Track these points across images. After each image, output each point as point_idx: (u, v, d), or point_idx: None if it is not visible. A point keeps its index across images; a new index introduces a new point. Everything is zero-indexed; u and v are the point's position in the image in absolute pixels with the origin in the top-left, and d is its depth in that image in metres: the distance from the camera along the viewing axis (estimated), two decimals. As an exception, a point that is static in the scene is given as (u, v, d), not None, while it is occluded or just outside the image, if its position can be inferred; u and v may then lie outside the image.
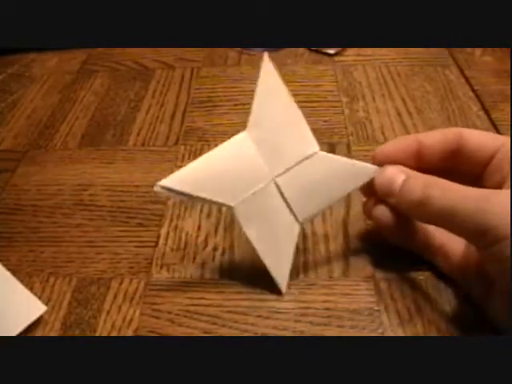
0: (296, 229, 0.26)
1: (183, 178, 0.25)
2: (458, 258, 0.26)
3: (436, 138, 0.26)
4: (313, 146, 0.26)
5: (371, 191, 0.26)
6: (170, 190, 0.25)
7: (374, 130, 0.38)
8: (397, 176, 0.25)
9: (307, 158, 0.26)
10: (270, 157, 0.25)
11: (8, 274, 0.28)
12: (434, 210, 0.23)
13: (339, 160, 0.26)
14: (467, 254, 0.26)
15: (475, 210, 0.21)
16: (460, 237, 0.24)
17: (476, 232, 0.21)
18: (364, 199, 0.28)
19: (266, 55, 0.26)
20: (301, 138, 0.26)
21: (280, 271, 0.26)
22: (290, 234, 0.26)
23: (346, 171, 0.26)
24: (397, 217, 0.26)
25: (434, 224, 0.24)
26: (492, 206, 0.21)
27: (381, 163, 0.26)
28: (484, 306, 0.25)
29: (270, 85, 0.26)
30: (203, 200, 0.25)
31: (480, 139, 0.25)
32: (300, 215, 0.26)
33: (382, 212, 0.26)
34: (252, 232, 0.26)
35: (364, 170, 0.26)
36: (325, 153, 0.26)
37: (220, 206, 0.26)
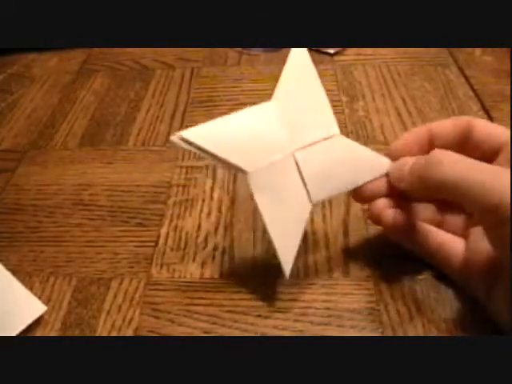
0: (308, 209, 0.25)
1: (204, 134, 0.24)
2: (458, 257, 0.26)
3: (447, 127, 0.26)
4: (334, 128, 0.26)
5: (368, 196, 0.26)
6: (188, 142, 0.24)
7: (374, 129, 0.38)
8: (408, 160, 0.25)
9: (328, 138, 0.26)
10: (292, 130, 0.25)
11: (8, 273, 0.28)
12: (443, 178, 0.22)
13: (358, 147, 0.26)
14: (468, 252, 0.26)
15: (487, 184, 0.21)
16: (470, 210, 0.23)
17: (487, 208, 0.21)
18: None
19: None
20: (323, 118, 0.26)
21: (287, 250, 0.25)
22: (302, 213, 0.25)
23: (364, 159, 0.26)
24: (403, 219, 0.26)
25: (442, 195, 0.23)
26: (506, 182, 0.20)
27: (395, 158, 0.26)
28: (485, 306, 0.25)
29: (301, 63, 0.26)
30: (219, 160, 0.24)
31: (490, 129, 0.25)
32: (314, 195, 0.25)
33: (391, 216, 0.26)
34: (263, 203, 0.25)
35: (381, 161, 0.26)
36: (344, 137, 0.26)
37: (235, 170, 0.25)
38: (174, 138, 0.24)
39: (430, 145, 0.26)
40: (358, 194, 0.27)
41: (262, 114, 0.25)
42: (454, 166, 0.22)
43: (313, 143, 0.25)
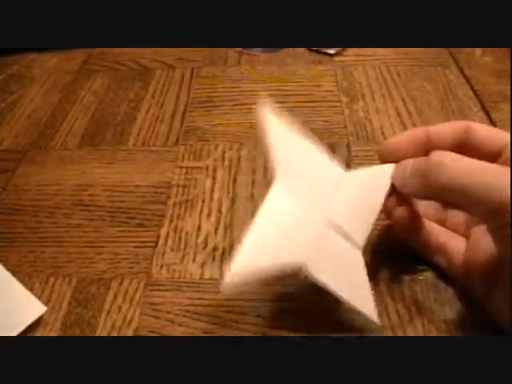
0: (360, 256, 0.25)
1: (248, 257, 0.23)
2: (459, 256, 0.26)
3: (445, 130, 0.26)
4: (337, 171, 0.26)
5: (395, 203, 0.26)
6: (240, 275, 0.23)
7: (374, 129, 0.38)
8: (407, 165, 0.25)
9: (338, 185, 0.26)
10: (310, 201, 0.25)
11: (8, 274, 0.28)
12: (445, 179, 0.22)
13: (360, 172, 0.26)
14: (469, 252, 0.26)
15: (491, 183, 0.20)
16: (473, 212, 0.23)
17: (490, 210, 0.20)
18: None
19: (258, 104, 0.26)
20: (326, 170, 0.26)
21: (366, 304, 0.25)
22: (358, 264, 0.25)
23: (372, 177, 0.26)
24: (409, 216, 0.26)
25: (444, 197, 0.23)
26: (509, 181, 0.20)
27: (389, 155, 0.26)
28: (486, 305, 0.25)
29: (281, 133, 0.26)
30: (275, 269, 0.23)
31: (488, 133, 0.25)
32: (359, 238, 0.25)
33: (401, 213, 0.25)
34: (327, 279, 0.24)
35: (383, 170, 0.26)
36: (346, 171, 0.26)
37: (293, 269, 0.24)
38: (225, 287, 0.22)
39: (427, 147, 0.26)
40: (389, 209, 0.26)
41: (278, 205, 0.25)
42: (457, 166, 0.22)
43: (331, 198, 0.25)
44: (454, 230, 0.27)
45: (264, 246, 0.24)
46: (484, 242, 0.25)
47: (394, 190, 0.26)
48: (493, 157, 0.24)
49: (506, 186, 0.20)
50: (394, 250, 0.28)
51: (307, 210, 0.25)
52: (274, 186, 0.25)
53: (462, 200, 0.22)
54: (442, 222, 0.28)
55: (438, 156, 0.23)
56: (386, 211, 0.26)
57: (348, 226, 0.25)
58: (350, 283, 0.25)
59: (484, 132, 0.25)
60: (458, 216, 0.27)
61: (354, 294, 0.24)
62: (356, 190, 0.26)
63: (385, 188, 0.26)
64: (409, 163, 0.25)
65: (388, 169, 0.26)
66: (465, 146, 0.25)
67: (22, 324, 0.26)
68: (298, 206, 0.25)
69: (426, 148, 0.25)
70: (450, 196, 0.23)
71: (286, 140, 0.26)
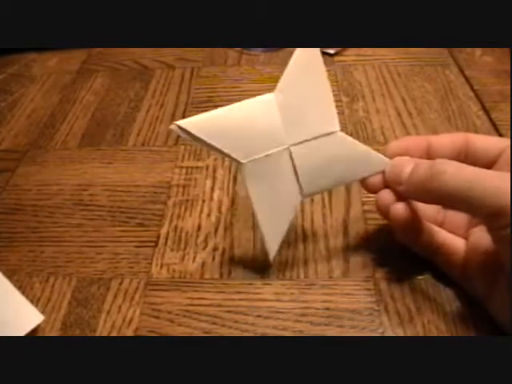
0: (298, 200, 0.26)
1: (201, 124, 0.25)
2: (459, 257, 0.26)
3: (445, 139, 0.26)
4: (335, 125, 0.26)
5: (378, 187, 0.26)
6: (186, 131, 0.25)
7: (374, 129, 0.38)
8: (406, 163, 0.25)
9: (327, 135, 0.26)
10: (291, 124, 0.25)
11: (6, 281, 0.28)
12: (447, 188, 0.22)
13: (357, 145, 0.26)
14: (468, 252, 0.26)
15: (493, 189, 0.21)
16: (474, 217, 0.24)
17: (493, 212, 0.21)
18: (367, 196, 0.28)
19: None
20: (325, 114, 0.26)
21: (273, 237, 0.27)
22: (291, 204, 0.26)
23: (361, 157, 0.26)
24: (410, 215, 0.26)
25: (445, 204, 0.24)
26: (508, 189, 0.21)
27: (393, 157, 0.26)
28: (486, 305, 0.25)
29: (309, 58, 0.26)
30: (216, 149, 0.25)
31: (485, 141, 0.26)
32: (306, 188, 0.26)
33: (400, 210, 0.26)
34: (255, 193, 0.26)
35: (379, 160, 0.26)
36: (344, 134, 0.26)
37: (230, 159, 0.25)
38: (173, 126, 0.25)
39: (428, 153, 0.26)
40: (366, 184, 0.27)
41: (262, 105, 0.26)
42: (458, 175, 0.22)
43: (311, 139, 0.26)
44: (453, 231, 0.27)
45: (222, 124, 0.25)
46: (483, 242, 0.25)
47: (389, 187, 0.26)
48: (490, 163, 0.25)
49: (506, 190, 0.21)
50: (394, 250, 0.28)
51: (282, 127, 0.25)
52: (271, 94, 0.26)
53: (464, 206, 0.23)
54: (440, 224, 0.28)
55: (441, 165, 0.23)
56: (380, 209, 0.26)
57: (302, 173, 0.26)
58: (272, 213, 0.26)
59: (482, 141, 0.26)
60: (456, 217, 0.28)
61: (268, 223, 0.26)
62: (336, 154, 0.26)
63: (364, 173, 0.26)
64: (405, 162, 0.25)
65: (382, 161, 0.26)
66: (464, 155, 0.26)
67: (19, 333, 0.25)
68: (278, 118, 0.25)
69: (427, 154, 0.26)
70: (450, 202, 0.23)
71: (309, 64, 0.26)
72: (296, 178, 0.26)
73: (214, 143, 0.25)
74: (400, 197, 0.26)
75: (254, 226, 0.31)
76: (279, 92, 0.26)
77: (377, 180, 0.26)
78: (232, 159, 0.25)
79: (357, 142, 0.26)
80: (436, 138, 0.27)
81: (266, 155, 0.25)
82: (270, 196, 0.26)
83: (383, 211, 0.26)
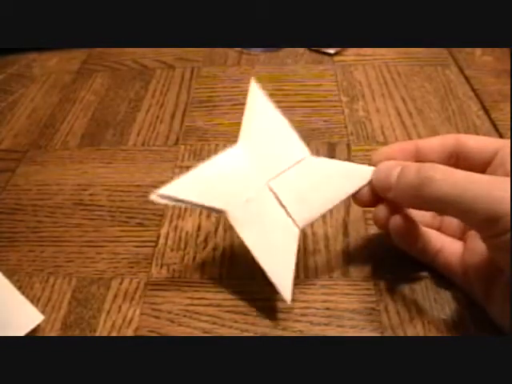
0: (295, 233, 0.25)
1: (179, 186, 0.26)
2: (457, 260, 0.26)
3: (434, 142, 0.26)
4: (303, 151, 0.26)
5: (368, 198, 0.26)
6: (167, 197, 0.25)
7: (374, 129, 0.38)
8: (393, 168, 0.24)
9: (298, 162, 0.26)
10: (262, 164, 0.26)
11: (6, 281, 0.27)
12: (437, 194, 0.21)
13: (332, 163, 0.26)
14: (466, 254, 0.26)
15: (485, 195, 0.20)
16: (466, 224, 0.23)
17: (486, 219, 0.20)
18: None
19: (252, 82, 0.27)
20: (290, 145, 0.26)
21: (282, 279, 0.25)
22: (290, 239, 0.25)
23: (341, 174, 0.26)
24: (409, 225, 0.25)
25: (435, 210, 0.23)
26: (504, 192, 0.20)
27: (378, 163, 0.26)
28: (485, 307, 0.25)
29: (257, 101, 0.27)
30: (199, 206, 0.26)
31: (478, 142, 0.25)
32: (298, 219, 0.25)
33: (399, 222, 0.25)
34: (248, 237, 0.25)
35: (361, 171, 0.26)
36: (316, 157, 0.26)
37: (215, 212, 0.26)
38: (154, 196, 0.25)
39: (416, 158, 0.25)
40: (356, 200, 0.26)
41: (231, 157, 0.26)
42: (448, 180, 0.21)
43: (285, 170, 0.26)
44: (451, 235, 0.27)
45: (198, 182, 0.26)
46: (480, 244, 0.24)
47: (384, 200, 0.25)
48: (485, 164, 0.24)
49: (499, 195, 0.20)
50: (394, 250, 0.28)
51: (255, 170, 0.26)
52: (234, 146, 0.26)
53: (454, 212, 0.22)
54: (437, 228, 0.28)
55: (428, 171, 0.22)
56: (378, 222, 0.26)
57: (289, 203, 0.25)
58: (274, 253, 0.25)
59: (474, 142, 0.25)
60: (453, 221, 0.27)
61: (274, 265, 0.25)
62: (317, 176, 0.26)
63: (352, 188, 0.26)
64: (390, 166, 0.24)
65: (367, 171, 0.26)
66: (456, 157, 0.25)
67: (19, 333, 0.25)
68: (248, 165, 0.26)
69: (415, 159, 0.25)
70: (441, 209, 0.23)
71: (261, 111, 0.27)
72: (285, 211, 0.25)
73: (194, 200, 0.25)
74: (396, 208, 0.25)
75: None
76: (242, 141, 0.26)
77: (365, 192, 0.25)
78: (217, 211, 0.26)
79: (334, 160, 0.26)
80: (424, 141, 0.26)
81: (247, 199, 0.25)
82: (265, 237, 0.25)
83: (382, 225, 0.26)
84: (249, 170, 0.26)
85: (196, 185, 0.26)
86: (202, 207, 0.26)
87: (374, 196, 0.26)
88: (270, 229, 0.25)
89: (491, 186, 0.20)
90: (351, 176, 0.26)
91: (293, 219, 0.25)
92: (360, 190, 0.26)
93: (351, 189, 0.26)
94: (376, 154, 0.26)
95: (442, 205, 0.22)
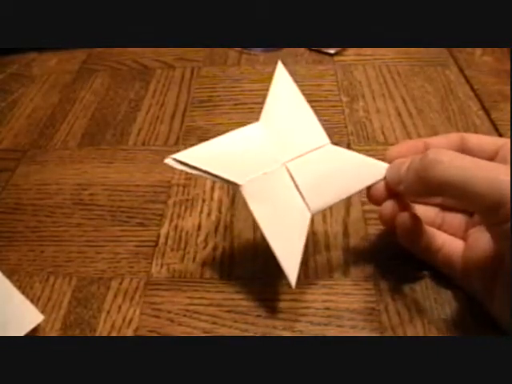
0: (307, 218, 0.25)
1: (196, 154, 0.25)
2: (459, 258, 0.26)
3: (441, 139, 0.26)
4: (323, 138, 0.26)
5: (381, 194, 0.26)
6: (182, 163, 0.25)
7: (374, 129, 0.38)
8: (404, 162, 0.25)
9: (318, 148, 0.26)
10: (281, 145, 0.26)
11: (7, 281, 0.27)
12: (443, 177, 0.22)
13: (350, 154, 0.26)
14: (467, 252, 0.26)
15: (492, 178, 0.20)
16: (471, 209, 0.23)
17: (491, 203, 0.20)
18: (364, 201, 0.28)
19: (279, 63, 0.28)
20: (312, 130, 0.26)
21: (290, 261, 0.24)
22: (302, 222, 0.25)
23: (359, 166, 0.26)
24: (415, 222, 0.25)
25: (442, 194, 0.23)
26: (508, 179, 0.20)
27: (391, 161, 0.26)
28: (486, 305, 0.25)
29: (283, 83, 0.27)
30: (213, 176, 0.25)
31: (480, 140, 0.26)
32: (311, 204, 0.25)
33: (406, 219, 0.25)
34: (260, 214, 0.25)
35: (377, 167, 0.26)
36: (336, 146, 0.26)
37: (231, 185, 0.25)
38: (169, 160, 0.25)
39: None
40: (370, 194, 0.26)
41: (250, 133, 0.26)
42: (455, 163, 0.22)
43: (304, 154, 0.26)
44: (452, 234, 0.27)
45: (215, 152, 0.25)
46: (481, 242, 0.25)
47: (392, 196, 0.26)
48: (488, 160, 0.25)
49: (504, 181, 0.20)
50: (394, 250, 0.28)
51: (274, 149, 0.26)
52: (256, 123, 0.26)
53: (460, 196, 0.22)
54: (439, 226, 0.28)
55: (434, 154, 0.22)
56: (383, 218, 0.26)
57: (304, 187, 0.25)
58: (285, 234, 0.25)
59: (476, 140, 0.26)
60: (455, 220, 0.28)
61: (283, 246, 0.25)
62: (335, 165, 0.26)
63: (367, 181, 0.26)
64: (402, 161, 0.25)
65: (382, 167, 0.26)
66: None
67: (19, 333, 0.25)
68: (267, 143, 0.26)
69: None
70: (447, 192, 0.23)
71: (286, 93, 0.27)
72: (300, 194, 0.25)
73: (210, 170, 0.25)
74: (403, 206, 0.26)
75: (255, 226, 0.31)
76: (264, 119, 0.26)
77: (379, 187, 0.26)
78: (230, 183, 0.25)
79: (352, 152, 0.26)
80: (432, 139, 0.27)
81: (264, 173, 0.25)
82: (276, 215, 0.25)
83: (387, 221, 0.26)
84: (267, 148, 0.26)
85: (213, 154, 0.25)
86: (216, 178, 0.25)
87: (386, 192, 0.26)
88: (283, 209, 0.25)
89: (499, 171, 0.21)
90: (368, 170, 0.26)
91: (306, 203, 0.25)
92: (374, 184, 0.26)
93: (366, 182, 0.26)
94: (388, 152, 0.27)
95: (448, 188, 0.22)
